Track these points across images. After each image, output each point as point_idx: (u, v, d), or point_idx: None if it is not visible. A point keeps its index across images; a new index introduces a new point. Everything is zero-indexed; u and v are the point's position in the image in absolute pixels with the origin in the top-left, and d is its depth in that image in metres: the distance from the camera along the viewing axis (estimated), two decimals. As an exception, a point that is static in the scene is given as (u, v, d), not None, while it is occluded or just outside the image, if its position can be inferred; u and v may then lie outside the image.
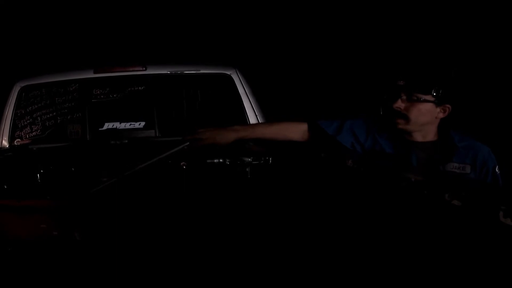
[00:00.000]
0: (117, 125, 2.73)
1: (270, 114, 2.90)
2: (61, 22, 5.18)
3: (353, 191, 1.19)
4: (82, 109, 2.76)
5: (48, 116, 2.75)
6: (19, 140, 2.73)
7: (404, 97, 1.65)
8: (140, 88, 2.86)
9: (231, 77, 3.03)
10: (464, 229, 0.87)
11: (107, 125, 2.72)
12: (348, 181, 1.36)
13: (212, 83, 3.00)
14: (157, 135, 2.75)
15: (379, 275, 0.80)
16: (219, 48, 5.00)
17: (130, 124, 2.74)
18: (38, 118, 2.76)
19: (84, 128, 2.70)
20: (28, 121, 2.77)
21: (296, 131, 1.83)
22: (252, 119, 2.78)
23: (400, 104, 1.65)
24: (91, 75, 2.85)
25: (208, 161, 1.69)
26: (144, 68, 2.91)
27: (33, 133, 2.73)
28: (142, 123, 2.76)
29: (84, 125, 2.70)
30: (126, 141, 2.41)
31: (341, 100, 4.70)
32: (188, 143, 1.72)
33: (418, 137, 1.71)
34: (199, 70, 3.01)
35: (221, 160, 1.67)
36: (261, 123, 1.89)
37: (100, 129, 2.70)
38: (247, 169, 1.64)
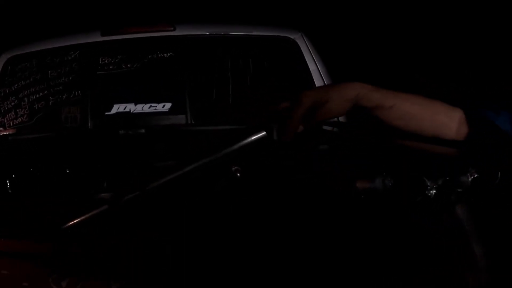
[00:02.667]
0: (131, 107, 1.87)
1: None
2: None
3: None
4: (84, 85, 1.93)
5: (38, 96, 1.95)
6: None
7: None
8: (165, 55, 2.00)
9: (296, 42, 2.10)
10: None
11: (117, 108, 1.87)
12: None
13: (269, 50, 2.10)
14: (190, 122, 1.88)
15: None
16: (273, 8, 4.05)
17: (150, 107, 1.88)
18: (25, 99, 1.97)
19: (84, 112, 1.87)
20: (13, 103, 1.98)
21: (449, 117, 0.87)
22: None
23: None
24: (97, 38, 2.02)
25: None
26: (172, 28, 2.04)
27: (18, 119, 1.94)
28: (168, 105, 1.89)
29: (85, 108, 1.87)
30: (143, 130, 1.53)
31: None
32: (270, 129, 0.83)
33: None
34: (251, 32, 2.11)
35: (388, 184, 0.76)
36: (397, 92, 0.94)
37: (107, 113, 1.87)
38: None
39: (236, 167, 1.13)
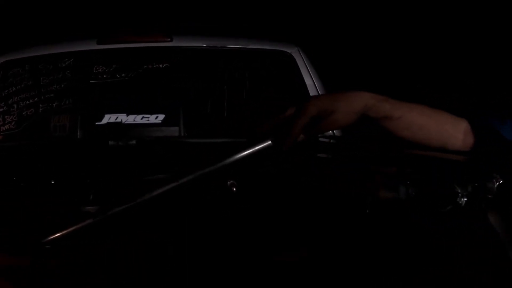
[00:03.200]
0: (123, 117, 1.83)
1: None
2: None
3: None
4: (75, 93, 1.89)
5: (27, 102, 1.90)
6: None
7: None
8: (161, 66, 1.96)
9: (293, 56, 2.08)
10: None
11: (109, 118, 1.82)
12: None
13: (266, 64, 2.07)
14: (183, 134, 1.83)
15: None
16: (269, 20, 4.04)
17: (143, 118, 1.84)
18: (15, 105, 1.92)
19: (74, 121, 1.82)
20: (1, 109, 1.93)
21: (455, 127, 0.86)
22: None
23: None
24: (93, 46, 1.98)
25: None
26: (169, 39, 2.01)
27: (6, 126, 1.89)
28: (161, 117, 1.84)
29: (75, 116, 1.82)
30: (134, 142, 1.48)
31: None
32: (270, 141, 0.80)
33: None
34: (248, 45, 2.09)
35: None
36: (404, 102, 0.91)
37: (97, 123, 1.81)
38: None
39: (231, 181, 1.10)
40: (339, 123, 0.78)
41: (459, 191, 0.65)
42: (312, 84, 2.02)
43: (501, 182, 0.64)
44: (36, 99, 1.89)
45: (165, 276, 0.81)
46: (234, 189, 1.04)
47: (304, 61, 2.08)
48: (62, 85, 1.90)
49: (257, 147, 0.80)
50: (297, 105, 0.79)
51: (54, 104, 1.87)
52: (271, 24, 3.75)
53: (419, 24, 4.40)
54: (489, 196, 0.64)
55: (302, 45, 2.16)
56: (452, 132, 0.83)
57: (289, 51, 2.08)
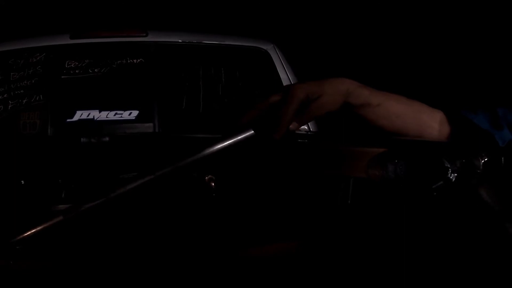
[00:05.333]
0: (95, 114, 1.79)
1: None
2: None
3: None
4: (46, 89, 1.84)
5: (-4, 98, 1.85)
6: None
7: None
8: (135, 61, 1.93)
9: (268, 53, 2.07)
10: None
11: (80, 115, 1.78)
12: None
13: (241, 60, 2.06)
14: (157, 130, 1.81)
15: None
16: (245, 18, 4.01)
17: (116, 114, 1.80)
18: (-17, 102, 1.86)
19: (45, 118, 1.78)
20: (-30, 106, 1.87)
21: (431, 116, 0.87)
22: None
23: None
24: (66, 41, 1.94)
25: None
26: (144, 34, 1.99)
27: (-26, 124, 1.83)
28: (135, 113, 1.82)
29: (46, 113, 1.78)
30: (107, 138, 1.45)
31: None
32: (253, 131, 0.75)
33: None
34: (224, 41, 2.07)
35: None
36: (382, 91, 0.92)
37: (69, 120, 1.77)
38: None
39: (210, 176, 1.07)
40: (327, 106, 0.76)
41: (449, 166, 0.64)
42: (287, 80, 2.02)
43: (486, 159, 0.64)
44: (5, 95, 1.84)
45: (144, 269, 0.79)
46: (213, 184, 1.02)
47: (280, 57, 2.08)
48: (33, 81, 1.86)
49: (238, 137, 0.75)
50: (283, 91, 0.76)
51: (24, 101, 1.82)
52: (250, 21, 3.75)
53: (399, 22, 4.44)
54: (478, 171, 0.64)
55: (278, 42, 2.16)
56: (429, 121, 0.83)
57: (264, 47, 2.08)
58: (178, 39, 2.03)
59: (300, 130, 0.81)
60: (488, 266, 0.67)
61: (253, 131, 0.75)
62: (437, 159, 0.64)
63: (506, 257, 0.66)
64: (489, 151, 0.65)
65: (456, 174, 0.64)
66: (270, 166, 0.96)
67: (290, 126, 0.75)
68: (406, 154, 0.68)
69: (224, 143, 0.76)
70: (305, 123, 0.77)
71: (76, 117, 1.77)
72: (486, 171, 0.64)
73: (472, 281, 0.68)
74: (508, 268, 0.66)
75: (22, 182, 1.15)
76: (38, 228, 0.83)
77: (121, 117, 1.80)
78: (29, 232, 0.84)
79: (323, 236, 0.84)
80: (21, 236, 0.82)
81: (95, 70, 1.88)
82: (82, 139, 1.40)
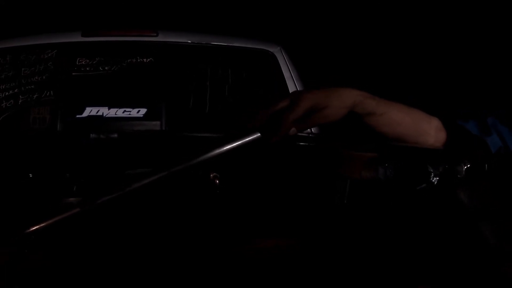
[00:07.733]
0: (104, 111, 1.82)
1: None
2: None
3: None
4: (57, 86, 1.88)
5: (7, 94, 1.88)
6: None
7: None
8: (145, 60, 1.97)
9: (275, 56, 2.10)
10: None
11: (90, 111, 1.81)
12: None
13: (249, 62, 2.09)
14: (164, 128, 1.84)
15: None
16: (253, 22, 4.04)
17: (125, 111, 1.83)
18: (-5, 96, 1.90)
19: (55, 114, 1.81)
20: (-19, 101, 1.91)
21: (429, 124, 0.91)
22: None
23: None
24: (77, 38, 1.97)
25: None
26: (155, 34, 2.02)
27: (-16, 118, 1.87)
28: (143, 111, 1.84)
29: (56, 108, 1.81)
30: (116, 135, 1.47)
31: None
32: (260, 134, 0.79)
33: None
34: (232, 43, 2.10)
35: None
36: (386, 100, 0.95)
37: (78, 116, 1.81)
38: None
39: (214, 173, 1.09)
40: (330, 117, 0.79)
41: (432, 171, 0.71)
42: (293, 84, 2.04)
43: (468, 166, 0.71)
44: (16, 90, 1.88)
45: (150, 266, 0.81)
46: (217, 181, 1.05)
47: (286, 60, 2.11)
48: (44, 77, 1.89)
49: (245, 140, 0.79)
50: (291, 98, 0.79)
51: (35, 96, 1.85)
52: (258, 24, 3.78)
53: (403, 24, 4.46)
54: (459, 176, 0.71)
55: (285, 45, 2.19)
56: (426, 128, 0.87)
57: (271, 50, 2.11)
58: (187, 39, 2.07)
59: (301, 132, 0.84)
60: (461, 257, 0.74)
61: (259, 134, 0.78)
62: (422, 164, 0.72)
63: (477, 250, 0.72)
64: (471, 159, 0.73)
65: (438, 178, 0.72)
66: (271, 166, 0.99)
67: (289, 132, 0.77)
68: (395, 159, 0.75)
69: (232, 144, 0.80)
70: (305, 130, 0.80)
71: (85, 113, 1.79)
72: (467, 176, 0.72)
73: (447, 270, 0.74)
74: (479, 258, 0.72)
75: (31, 175, 1.18)
76: (53, 220, 0.85)
77: (130, 114, 1.83)
78: (43, 224, 0.87)
79: (321, 233, 0.87)
80: (36, 227, 0.85)
81: (106, 68, 1.92)
82: (91, 135, 1.43)
